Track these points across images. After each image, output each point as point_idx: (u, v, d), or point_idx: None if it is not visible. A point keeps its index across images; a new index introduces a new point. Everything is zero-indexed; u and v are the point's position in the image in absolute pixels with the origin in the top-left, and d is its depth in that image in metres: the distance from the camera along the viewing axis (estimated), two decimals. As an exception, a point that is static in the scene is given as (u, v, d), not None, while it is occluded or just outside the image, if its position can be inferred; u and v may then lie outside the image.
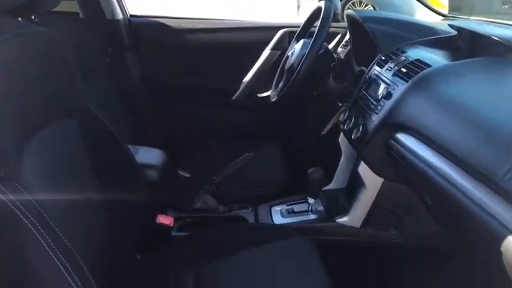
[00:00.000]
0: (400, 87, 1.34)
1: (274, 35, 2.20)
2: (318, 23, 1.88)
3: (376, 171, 1.42)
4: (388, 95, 1.38)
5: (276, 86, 1.94)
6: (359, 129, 1.43)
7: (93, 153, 1.16)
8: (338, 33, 2.25)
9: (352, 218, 1.50)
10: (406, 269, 1.49)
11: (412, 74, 1.33)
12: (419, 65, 1.36)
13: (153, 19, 2.28)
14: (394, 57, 1.52)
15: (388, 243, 1.48)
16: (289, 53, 1.89)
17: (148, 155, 1.50)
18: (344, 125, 1.54)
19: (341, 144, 1.68)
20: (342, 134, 1.68)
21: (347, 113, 1.56)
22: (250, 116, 2.26)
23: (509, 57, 1.26)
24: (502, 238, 0.89)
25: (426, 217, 1.44)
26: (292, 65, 1.77)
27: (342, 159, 1.69)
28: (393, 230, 1.48)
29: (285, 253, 1.28)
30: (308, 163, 2.09)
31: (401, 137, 1.30)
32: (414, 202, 1.43)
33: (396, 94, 1.34)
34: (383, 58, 1.56)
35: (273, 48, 2.22)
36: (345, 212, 1.52)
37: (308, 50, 1.63)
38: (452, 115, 1.17)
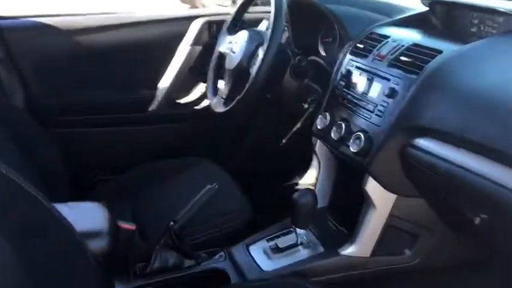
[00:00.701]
0: (408, 81, 1.09)
1: (187, 28, 1.81)
2: (256, 10, 1.58)
3: (389, 187, 1.15)
4: (392, 93, 1.11)
5: (215, 90, 1.57)
6: (358, 137, 1.15)
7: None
8: (262, 19, 1.94)
9: (360, 247, 1.21)
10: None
11: (421, 64, 1.08)
12: (424, 51, 1.11)
13: (28, 19, 1.72)
14: (374, 43, 1.27)
15: (404, 268, 1.25)
16: (226, 49, 1.53)
17: (86, 215, 1.05)
18: (328, 134, 1.25)
19: (318, 154, 1.39)
20: (319, 143, 1.39)
21: (328, 119, 1.27)
22: (175, 129, 1.85)
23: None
24: None
25: (445, 231, 1.23)
26: (240, 64, 1.41)
27: (320, 172, 1.40)
28: (409, 251, 1.24)
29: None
30: (271, 180, 1.77)
31: (423, 142, 1.05)
32: (431, 216, 1.21)
33: (405, 91, 1.08)
34: (359, 45, 1.29)
35: (193, 44, 1.84)
36: (349, 240, 1.24)
37: (268, 45, 1.29)
38: (483, 107, 0.95)
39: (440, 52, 1.08)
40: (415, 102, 1.06)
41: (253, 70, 1.35)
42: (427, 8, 1.34)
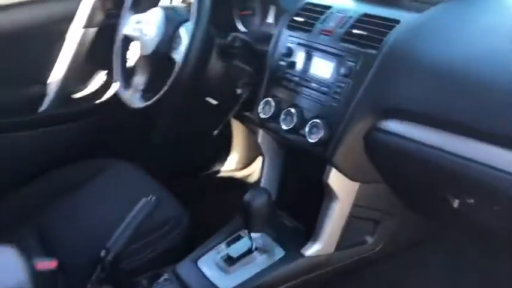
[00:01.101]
0: (367, 57, 0.97)
1: (77, 7, 1.51)
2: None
3: (354, 176, 1.04)
4: (349, 72, 0.99)
5: (126, 82, 1.32)
6: (316, 126, 1.01)
7: None
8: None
9: (324, 243, 1.09)
10: (394, 275, 1.20)
11: (378, 37, 0.97)
12: (378, 22, 0.99)
13: None
14: (314, 15, 1.12)
15: (368, 257, 1.16)
16: (134, 31, 1.29)
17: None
18: (276, 124, 1.09)
19: (262, 146, 1.23)
20: (260, 132, 1.23)
21: (273, 104, 1.11)
22: (76, 128, 1.55)
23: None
24: None
25: (405, 214, 1.16)
26: (158, 49, 1.19)
27: (265, 165, 1.24)
28: (371, 238, 1.16)
29: None
30: (193, 172, 1.57)
31: (391, 124, 0.95)
32: (390, 200, 1.13)
33: (364, 68, 0.96)
34: (297, 19, 1.14)
35: (86, 25, 1.53)
36: (311, 238, 1.11)
37: (195, 24, 1.08)
38: (450, 82, 0.87)
39: (397, 22, 0.97)
40: (378, 81, 0.94)
41: (178, 55, 1.14)
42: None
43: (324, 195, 1.09)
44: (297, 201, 1.19)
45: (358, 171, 1.04)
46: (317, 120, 1.01)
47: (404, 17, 0.98)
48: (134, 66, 1.29)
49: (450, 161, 0.87)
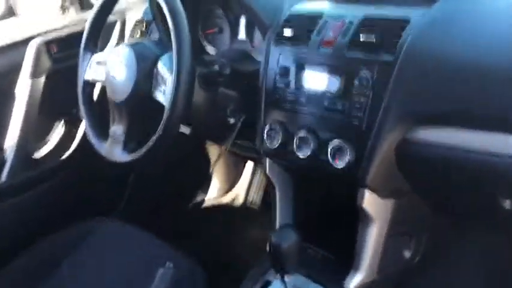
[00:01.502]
0: (383, 65, 0.87)
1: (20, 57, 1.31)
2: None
3: (387, 193, 0.94)
4: (366, 84, 0.88)
5: (101, 133, 1.15)
6: (341, 149, 0.90)
7: None
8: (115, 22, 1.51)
9: (367, 270, 0.99)
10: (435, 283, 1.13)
11: (391, 40, 0.88)
12: (385, 24, 0.90)
13: None
14: (305, 26, 1.01)
15: (408, 270, 1.08)
16: (97, 76, 1.12)
17: None
18: (289, 151, 0.98)
19: (271, 177, 1.11)
20: (268, 162, 1.10)
21: (280, 131, 0.99)
22: (46, 191, 1.35)
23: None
24: None
25: (436, 223, 1.08)
26: (136, 92, 1.03)
27: (277, 196, 1.12)
28: (408, 252, 1.07)
29: None
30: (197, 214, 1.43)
31: (424, 132, 0.86)
32: (423, 210, 1.05)
33: (384, 77, 0.86)
34: (285, 34, 1.02)
35: (35, 75, 1.33)
36: (352, 268, 1.01)
37: (178, 61, 0.94)
38: (485, 73, 0.80)
39: (407, 21, 0.88)
40: (402, 88, 0.85)
41: (162, 96, 1.00)
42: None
43: (354, 218, 0.99)
44: (321, 230, 1.09)
45: (391, 188, 0.94)
46: (340, 142, 0.91)
47: (414, 15, 0.89)
48: (106, 114, 1.12)
49: (498, 161, 0.80)
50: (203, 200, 1.82)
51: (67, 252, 1.13)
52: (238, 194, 1.85)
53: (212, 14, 1.34)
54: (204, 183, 1.81)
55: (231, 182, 1.84)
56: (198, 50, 1.32)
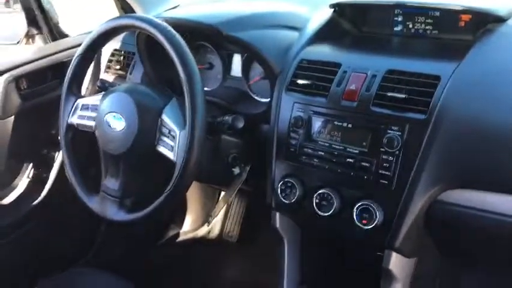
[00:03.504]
0: (415, 125, 0.81)
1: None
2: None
3: (413, 254, 0.90)
4: (396, 144, 0.82)
5: (88, 185, 1.00)
6: (367, 210, 0.84)
7: None
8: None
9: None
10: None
11: (422, 99, 0.82)
12: (414, 80, 0.85)
13: None
14: (321, 75, 0.94)
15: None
16: (86, 121, 0.99)
17: None
18: (306, 207, 0.90)
19: (281, 231, 1.02)
20: (278, 217, 1.02)
21: (297, 186, 0.91)
22: (11, 247, 1.17)
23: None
24: None
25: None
26: (139, 144, 0.91)
27: (285, 251, 1.03)
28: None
29: None
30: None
31: (457, 196, 0.82)
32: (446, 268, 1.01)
33: (415, 138, 0.81)
34: (299, 81, 0.94)
35: (3, 115, 1.15)
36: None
37: (192, 115, 0.83)
38: None
39: (437, 78, 0.83)
40: (436, 149, 0.80)
41: (171, 151, 0.88)
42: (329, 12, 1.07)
43: (375, 278, 0.94)
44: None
45: (417, 249, 0.89)
46: (367, 203, 0.85)
47: (444, 71, 0.84)
48: (95, 164, 0.99)
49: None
50: (178, 234, 1.70)
51: None
52: (214, 226, 1.75)
53: (202, 49, 1.23)
54: (178, 216, 1.69)
55: (205, 214, 1.74)
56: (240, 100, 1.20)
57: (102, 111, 0.95)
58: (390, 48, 1.00)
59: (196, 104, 0.84)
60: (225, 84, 1.21)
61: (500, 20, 0.90)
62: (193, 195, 1.68)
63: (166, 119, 0.90)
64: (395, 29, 1.03)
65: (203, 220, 1.74)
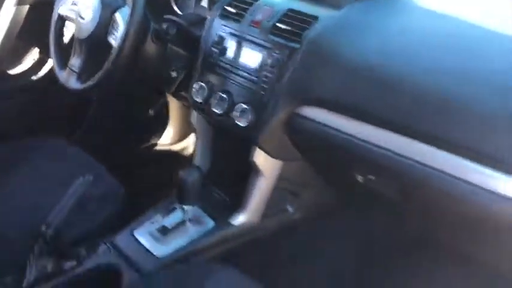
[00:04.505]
0: (290, 50, 1.04)
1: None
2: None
3: (277, 156, 1.13)
4: (275, 63, 1.06)
5: (62, 62, 1.31)
6: (245, 111, 1.09)
7: None
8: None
9: (251, 214, 1.18)
10: (312, 240, 1.32)
11: (299, 32, 1.05)
12: (300, 17, 1.07)
13: None
14: (244, 6, 1.18)
15: (288, 223, 1.27)
16: (69, 13, 1.28)
17: None
18: (208, 106, 1.15)
19: (196, 126, 1.29)
20: (194, 113, 1.28)
21: (206, 88, 1.17)
22: (10, 106, 1.52)
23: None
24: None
25: (321, 186, 1.28)
26: (95, 34, 1.20)
27: (199, 144, 1.31)
28: (291, 208, 1.26)
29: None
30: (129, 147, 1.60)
31: (310, 111, 1.04)
32: (309, 175, 1.24)
33: (288, 61, 1.04)
34: (229, 9, 1.19)
35: (20, 3, 1.48)
36: (238, 209, 1.21)
37: (132, 11, 1.11)
38: (369, 75, 0.96)
39: (316, 18, 1.05)
40: (300, 72, 1.02)
41: (114, 41, 1.16)
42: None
43: (249, 171, 1.18)
44: (226, 176, 1.27)
45: (280, 151, 1.13)
46: (245, 106, 1.08)
47: (323, 14, 1.06)
48: (70, 47, 1.29)
49: (357, 146, 0.98)
50: (155, 144, 1.99)
51: (12, 160, 1.31)
52: (189, 145, 2.03)
53: None
54: (160, 130, 1.98)
55: (183, 134, 2.01)
56: (165, 10, 1.48)
57: (79, 4, 1.23)
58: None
59: (136, 6, 1.11)
60: (196, 11, 1.47)
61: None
62: (175, 114, 1.96)
63: (118, 16, 1.18)
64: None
65: (180, 138, 2.02)
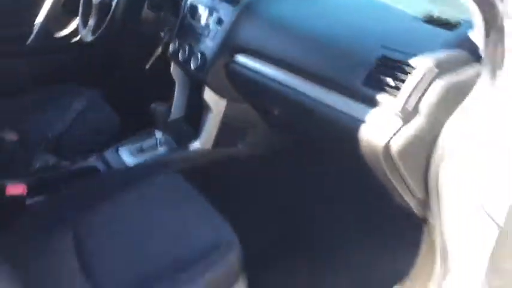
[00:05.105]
0: (230, 11, 1.37)
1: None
2: None
3: (221, 93, 1.46)
4: (219, 21, 1.39)
5: (84, 23, 1.73)
6: (197, 57, 1.42)
7: None
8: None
9: (203, 141, 1.52)
10: (256, 171, 1.61)
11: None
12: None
13: None
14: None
15: (239, 156, 1.58)
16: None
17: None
18: (177, 56, 1.50)
19: (173, 75, 1.65)
20: (173, 64, 1.65)
21: (177, 44, 1.52)
22: (54, 59, 1.98)
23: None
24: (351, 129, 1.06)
25: (264, 126, 1.58)
26: (101, 2, 1.60)
27: (176, 89, 1.67)
28: (240, 143, 1.58)
29: (157, 190, 1.23)
30: (141, 99, 2.00)
31: (241, 58, 1.35)
32: (253, 115, 1.54)
33: (228, 19, 1.37)
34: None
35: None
36: (194, 137, 1.55)
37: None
38: (287, 34, 1.25)
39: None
40: (234, 27, 1.34)
41: (113, 4, 1.56)
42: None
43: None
44: (193, 113, 1.62)
45: (224, 91, 1.44)
46: (198, 54, 1.42)
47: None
48: (86, 11, 1.70)
49: (272, 85, 1.27)
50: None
51: (45, 99, 1.73)
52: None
53: None
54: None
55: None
56: None
57: None
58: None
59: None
60: None
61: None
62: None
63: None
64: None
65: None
